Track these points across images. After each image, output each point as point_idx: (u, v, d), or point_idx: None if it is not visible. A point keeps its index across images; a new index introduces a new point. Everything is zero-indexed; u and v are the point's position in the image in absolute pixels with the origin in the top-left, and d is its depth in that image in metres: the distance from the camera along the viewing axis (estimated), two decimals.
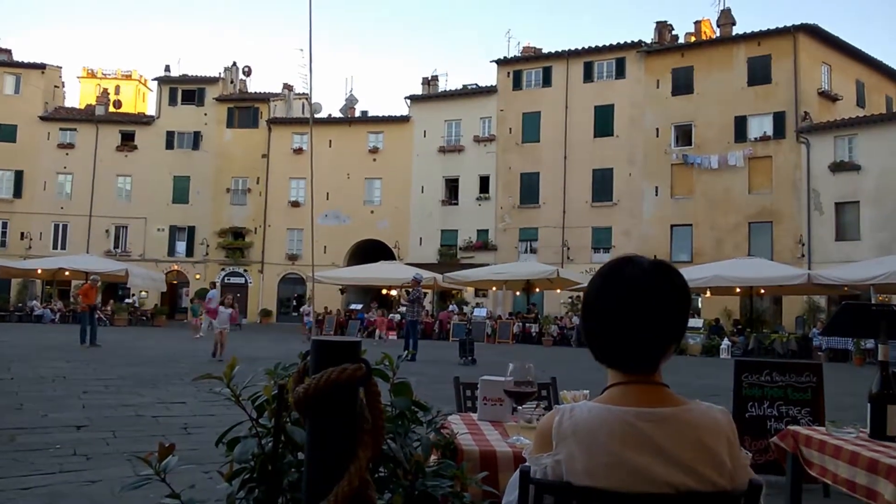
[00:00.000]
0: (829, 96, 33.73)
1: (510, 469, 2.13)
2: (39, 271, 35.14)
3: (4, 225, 42.72)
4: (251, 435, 1.41)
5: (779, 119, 32.81)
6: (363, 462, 1.12)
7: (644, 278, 1.43)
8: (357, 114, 44.90)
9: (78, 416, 7.16)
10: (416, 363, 14.40)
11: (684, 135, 35.33)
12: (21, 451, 5.44)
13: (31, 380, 10.11)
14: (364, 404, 1.19)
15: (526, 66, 39.68)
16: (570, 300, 33.48)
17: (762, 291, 28.24)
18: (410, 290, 17.52)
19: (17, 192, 42.79)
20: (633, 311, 1.41)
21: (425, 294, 35.28)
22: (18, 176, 42.81)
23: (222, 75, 45.72)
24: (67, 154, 43.15)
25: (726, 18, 36.63)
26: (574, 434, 1.36)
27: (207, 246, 42.96)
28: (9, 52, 46.05)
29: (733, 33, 35.69)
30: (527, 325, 30.19)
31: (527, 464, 1.42)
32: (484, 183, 39.70)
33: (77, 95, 68.69)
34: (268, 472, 1.37)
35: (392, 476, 1.44)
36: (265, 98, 44.44)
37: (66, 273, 34.35)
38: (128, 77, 75.89)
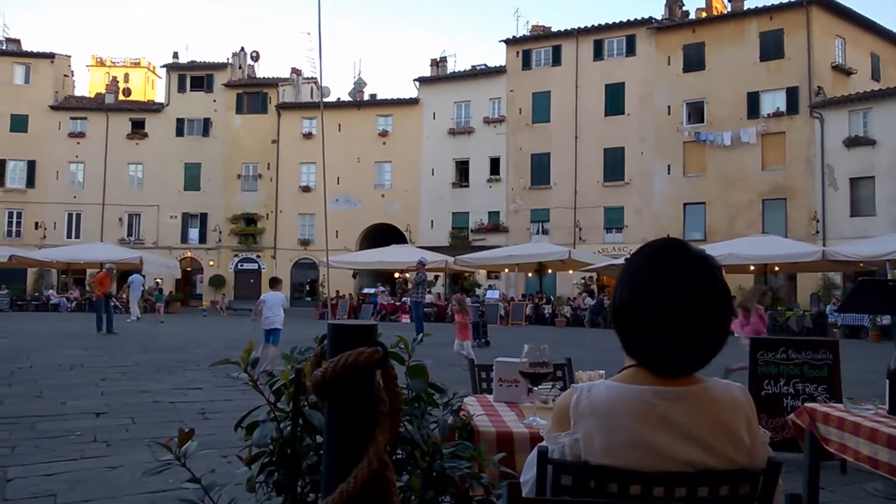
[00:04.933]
0: (843, 70, 33.26)
1: (527, 450, 2.14)
2: (55, 262, 35.38)
3: (19, 215, 43.05)
4: (270, 419, 1.42)
5: (792, 94, 32.42)
6: (381, 444, 1.12)
7: (690, 279, 1.36)
8: (366, 97, 44.79)
9: (97, 403, 7.24)
10: (429, 345, 14.44)
11: (696, 112, 35.01)
12: (42, 438, 5.52)
13: (49, 368, 10.22)
14: (381, 387, 1.19)
15: (535, 45, 39.37)
16: (582, 280, 33.43)
17: (776, 269, 28.06)
18: (418, 273, 17.55)
19: (31, 182, 43.07)
20: (675, 316, 1.34)
21: (436, 277, 35.50)
22: (31, 166, 43.06)
23: (230, 61, 45.64)
24: (79, 143, 43.34)
25: None
26: (592, 413, 1.36)
27: (220, 232, 43.16)
28: (18, 41, 46.18)
29: (745, 7, 35.20)
30: (540, 306, 30.17)
31: (544, 443, 1.42)
32: (494, 164, 39.56)
33: (86, 84, 68.75)
34: (287, 456, 1.37)
35: (410, 458, 1.45)
36: (274, 83, 44.38)
37: (81, 262, 34.64)
38: (136, 64, 75.89)
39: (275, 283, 11.77)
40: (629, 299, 1.40)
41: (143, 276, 28.22)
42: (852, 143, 30.58)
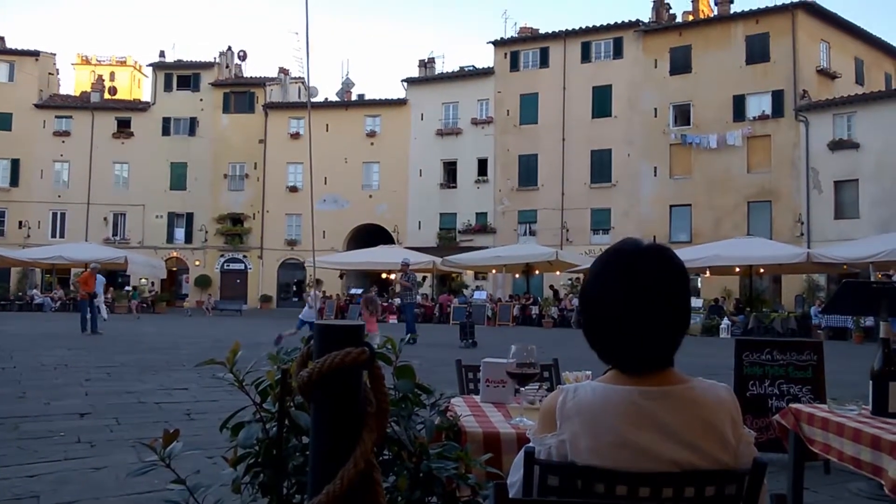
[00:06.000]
0: (827, 74, 33.56)
1: (513, 450, 2.14)
2: (39, 262, 35.03)
3: (2, 214, 42.64)
4: (255, 420, 1.41)
5: (777, 97, 32.67)
6: (368, 445, 1.12)
7: (648, 272, 1.38)
8: (353, 97, 44.72)
9: (81, 404, 7.18)
10: (417, 346, 14.41)
11: (682, 114, 35.20)
12: (25, 439, 5.46)
13: (33, 368, 10.12)
14: (368, 387, 1.18)
15: (523, 46, 39.45)
16: (569, 282, 33.52)
17: (761, 271, 28.25)
18: (406, 274, 17.56)
19: (14, 181, 42.67)
20: (640, 311, 1.36)
21: (424, 278, 35.49)
22: (15, 164, 42.67)
23: (217, 60, 45.42)
24: (63, 142, 43.00)
25: None
26: (578, 413, 1.36)
27: (206, 232, 42.93)
28: (2, 39, 45.72)
29: (731, 11, 35.46)
30: (527, 307, 30.22)
31: (531, 444, 1.42)
32: (482, 165, 39.60)
33: (72, 82, 67.98)
34: (273, 457, 1.37)
35: (397, 458, 1.45)
36: (261, 83, 44.22)
37: (66, 261, 34.34)
38: (122, 63, 75.23)
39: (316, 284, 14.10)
40: (588, 302, 1.43)
41: (127, 277, 28.51)
42: (837, 146, 30.85)
